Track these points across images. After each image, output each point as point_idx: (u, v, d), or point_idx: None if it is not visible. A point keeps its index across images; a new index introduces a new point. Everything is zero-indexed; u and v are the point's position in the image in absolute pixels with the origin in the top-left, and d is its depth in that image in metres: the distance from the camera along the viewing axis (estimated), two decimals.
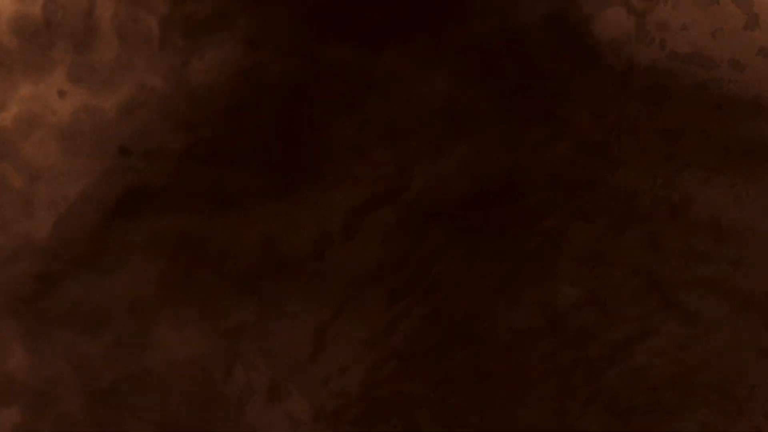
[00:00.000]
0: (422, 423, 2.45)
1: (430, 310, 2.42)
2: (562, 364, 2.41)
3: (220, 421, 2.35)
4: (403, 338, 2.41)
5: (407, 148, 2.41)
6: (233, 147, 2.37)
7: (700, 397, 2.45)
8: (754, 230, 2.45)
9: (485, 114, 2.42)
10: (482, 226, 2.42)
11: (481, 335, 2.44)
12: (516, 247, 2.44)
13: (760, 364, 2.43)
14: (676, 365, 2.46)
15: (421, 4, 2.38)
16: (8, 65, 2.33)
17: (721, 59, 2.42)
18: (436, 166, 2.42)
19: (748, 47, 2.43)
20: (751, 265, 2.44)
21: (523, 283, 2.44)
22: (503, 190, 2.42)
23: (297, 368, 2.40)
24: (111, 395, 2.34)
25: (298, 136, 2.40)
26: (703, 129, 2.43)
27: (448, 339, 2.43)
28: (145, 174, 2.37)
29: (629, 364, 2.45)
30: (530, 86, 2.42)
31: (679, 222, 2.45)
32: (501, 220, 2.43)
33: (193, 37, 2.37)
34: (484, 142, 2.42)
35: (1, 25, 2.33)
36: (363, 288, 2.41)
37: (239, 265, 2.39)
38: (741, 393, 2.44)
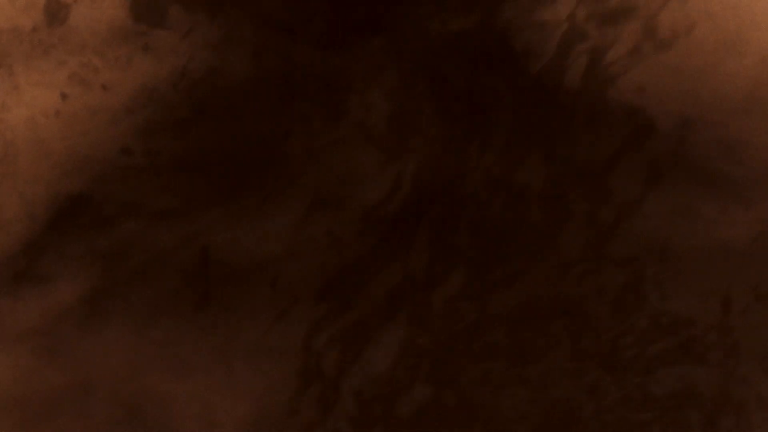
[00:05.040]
0: None
1: (368, 319, 2.42)
2: (501, 381, 2.43)
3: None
4: (339, 347, 2.41)
5: (353, 156, 2.42)
6: (182, 154, 2.36)
7: None
8: (666, 237, 2.51)
9: (430, 119, 2.42)
10: (426, 233, 2.44)
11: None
12: (458, 252, 2.45)
13: None
14: None
15: (373, 9, 2.38)
16: (10, 67, 2.33)
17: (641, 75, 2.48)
18: (380, 173, 2.43)
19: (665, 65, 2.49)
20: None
21: (463, 292, 2.46)
22: (446, 194, 2.44)
23: (230, 381, 2.39)
24: (43, 409, 2.33)
25: (246, 144, 2.39)
26: (632, 142, 2.48)
27: (377, 346, 2.44)
28: (131, 176, 2.38)
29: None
30: (470, 91, 2.44)
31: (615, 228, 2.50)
32: (443, 225, 2.45)
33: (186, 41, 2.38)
34: (428, 148, 2.42)
35: (2, 26, 2.33)
36: (302, 296, 2.42)
37: (176, 276, 2.39)
38: None
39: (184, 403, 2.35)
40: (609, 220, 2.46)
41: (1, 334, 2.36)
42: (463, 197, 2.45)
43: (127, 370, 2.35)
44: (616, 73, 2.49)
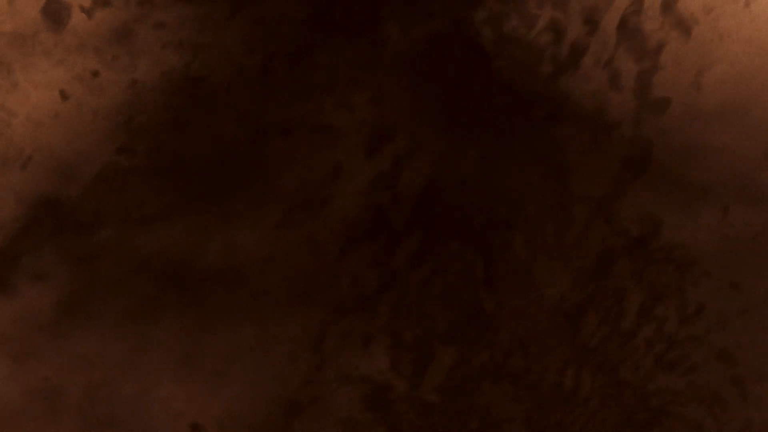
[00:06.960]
0: None
1: (348, 327, 2.43)
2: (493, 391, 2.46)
3: None
4: (322, 358, 2.41)
5: (331, 163, 2.42)
6: (174, 156, 2.35)
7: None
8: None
9: (412, 122, 2.45)
10: (404, 241, 2.44)
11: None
12: (441, 264, 2.49)
13: None
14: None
15: (354, 9, 2.39)
16: (10, 66, 2.30)
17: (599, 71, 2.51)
18: (358, 179, 2.43)
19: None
20: None
21: (447, 300, 2.47)
22: (426, 200, 2.46)
23: (208, 386, 2.37)
24: (16, 414, 2.31)
25: (229, 146, 2.39)
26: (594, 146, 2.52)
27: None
28: (134, 176, 2.37)
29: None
30: (453, 94, 2.46)
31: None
32: (426, 228, 2.49)
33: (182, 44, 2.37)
34: (409, 151, 2.44)
35: (2, 25, 2.29)
36: (282, 304, 2.42)
37: (153, 282, 2.38)
38: None
39: (159, 409, 2.34)
40: (577, 226, 2.50)
41: None
42: (448, 200, 2.47)
43: (101, 376, 2.34)
44: (587, 79, 2.54)
